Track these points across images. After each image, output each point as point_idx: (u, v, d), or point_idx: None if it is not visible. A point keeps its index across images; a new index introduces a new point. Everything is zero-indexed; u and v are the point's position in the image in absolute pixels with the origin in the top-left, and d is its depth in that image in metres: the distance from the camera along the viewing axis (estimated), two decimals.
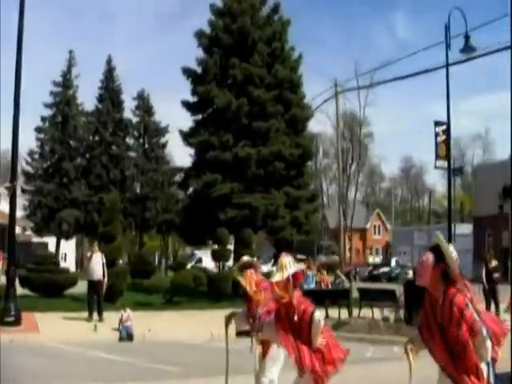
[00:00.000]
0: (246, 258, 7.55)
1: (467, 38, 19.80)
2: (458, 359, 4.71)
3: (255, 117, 27.61)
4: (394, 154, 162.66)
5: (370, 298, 19.66)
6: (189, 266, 37.31)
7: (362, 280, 47.86)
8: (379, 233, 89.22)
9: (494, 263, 19.53)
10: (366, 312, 18.89)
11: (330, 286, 21.57)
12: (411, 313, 16.68)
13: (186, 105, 29.84)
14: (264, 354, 7.23)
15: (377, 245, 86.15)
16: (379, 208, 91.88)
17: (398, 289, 18.76)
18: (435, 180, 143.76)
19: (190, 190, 30.24)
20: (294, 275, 6.13)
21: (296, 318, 5.92)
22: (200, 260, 51.54)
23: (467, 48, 20.24)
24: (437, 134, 27.38)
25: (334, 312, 19.58)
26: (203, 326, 18.34)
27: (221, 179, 26.81)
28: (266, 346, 7.28)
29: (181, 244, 65.22)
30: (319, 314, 5.90)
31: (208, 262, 38.39)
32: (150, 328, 16.54)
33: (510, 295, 14.62)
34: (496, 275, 19.12)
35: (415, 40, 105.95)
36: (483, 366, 4.72)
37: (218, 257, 24.38)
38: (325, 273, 22.12)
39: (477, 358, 4.67)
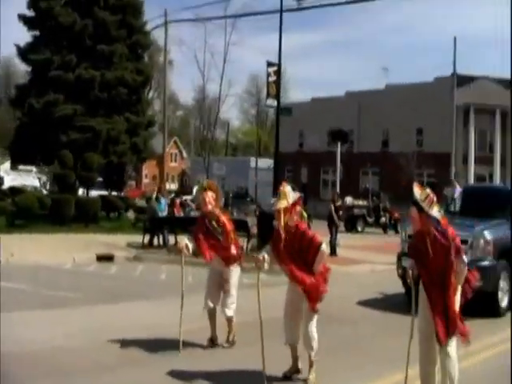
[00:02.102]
0: (207, 180, 8.69)
1: None
2: (443, 285, 5.94)
3: (99, 39, 26.91)
4: (190, 84, 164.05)
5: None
6: None
7: None
8: (176, 160, 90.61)
9: (339, 202, 21.50)
10: None
11: (181, 214, 22.33)
12: (265, 242, 18.03)
13: (23, 19, 28.28)
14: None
15: (173, 172, 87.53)
16: (177, 136, 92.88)
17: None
18: (230, 113, 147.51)
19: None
20: (297, 202, 6.90)
21: (304, 242, 6.72)
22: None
23: None
24: (268, 74, 28.83)
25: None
26: (61, 250, 18.48)
27: (63, 100, 25.97)
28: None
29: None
30: (325, 246, 6.80)
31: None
32: (13, 253, 16.52)
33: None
34: (340, 212, 21.15)
35: None
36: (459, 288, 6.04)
37: (60, 179, 23.99)
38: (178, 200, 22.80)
39: (456, 281, 5.94)
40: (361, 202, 36.46)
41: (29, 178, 38.97)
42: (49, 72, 26.59)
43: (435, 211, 5.98)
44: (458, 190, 15.70)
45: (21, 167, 38.32)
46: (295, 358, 6.94)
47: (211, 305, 8.13)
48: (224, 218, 8.16)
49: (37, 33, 28.62)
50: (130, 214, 28.54)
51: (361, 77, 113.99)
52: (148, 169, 79.64)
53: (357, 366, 7.61)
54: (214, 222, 8.06)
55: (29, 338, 8.30)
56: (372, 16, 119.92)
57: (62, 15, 26.99)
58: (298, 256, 6.75)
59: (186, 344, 7.99)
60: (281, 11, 22.62)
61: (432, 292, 5.97)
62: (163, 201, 21.65)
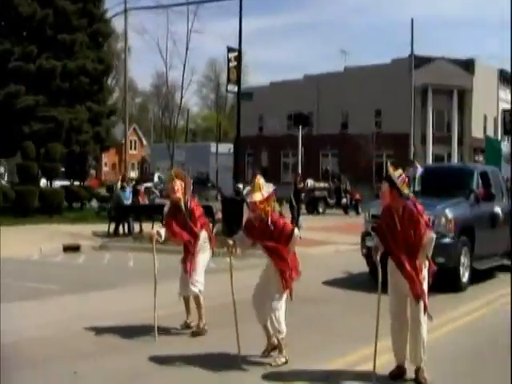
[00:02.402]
0: (175, 169, 9.40)
1: None
2: (412, 257, 6.27)
3: (60, 29, 26.71)
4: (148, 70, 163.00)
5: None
6: None
7: None
8: (135, 148, 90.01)
9: (301, 185, 21.82)
10: None
11: (146, 202, 22.42)
12: (230, 226, 18.31)
13: None
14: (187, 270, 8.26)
15: (133, 160, 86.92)
16: (135, 123, 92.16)
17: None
18: (188, 98, 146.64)
19: None
20: (271, 194, 7.16)
21: (276, 231, 6.98)
22: None
23: None
24: (229, 60, 28.94)
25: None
26: (26, 241, 18.40)
27: (24, 91, 25.76)
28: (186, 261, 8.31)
29: None
30: (297, 231, 7.07)
31: None
32: None
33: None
34: (302, 195, 21.48)
35: None
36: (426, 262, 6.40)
37: (23, 170, 23.85)
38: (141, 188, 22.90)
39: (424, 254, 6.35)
40: (322, 184, 36.97)
41: None
42: (9, 63, 26.36)
43: (406, 189, 6.31)
44: (420, 169, 16.09)
45: None
46: (269, 337, 7.18)
47: (186, 292, 8.35)
48: (193, 204, 8.39)
49: None
50: (94, 204, 28.48)
51: (319, 60, 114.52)
52: (107, 157, 79.22)
53: (324, 343, 7.90)
54: (183, 209, 8.26)
55: (2, 329, 8.37)
56: None
57: (21, 5, 26.78)
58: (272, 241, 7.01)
59: (161, 329, 8.17)
60: None
61: (402, 262, 6.28)
62: (128, 189, 21.69)
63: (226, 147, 63.37)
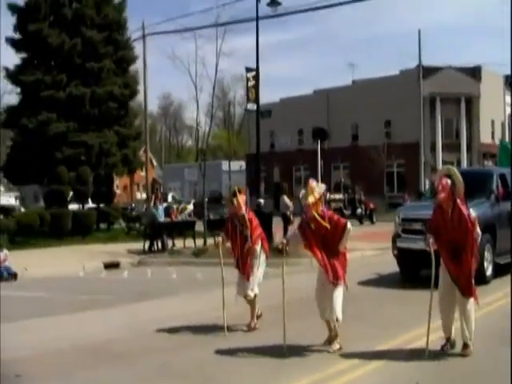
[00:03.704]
0: (240, 186, 10.15)
1: None
2: (460, 255, 7.27)
3: (88, 57, 27.94)
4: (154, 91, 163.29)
5: (218, 227, 22.08)
6: None
7: None
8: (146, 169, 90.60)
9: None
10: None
11: (179, 219, 23.50)
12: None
13: (11, 42, 29.14)
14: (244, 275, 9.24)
15: (143, 181, 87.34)
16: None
17: None
18: (194, 117, 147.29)
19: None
20: (323, 194, 8.12)
21: (331, 224, 7.92)
22: None
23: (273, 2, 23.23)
24: (248, 79, 29.92)
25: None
26: (67, 261, 19.31)
27: (56, 118, 26.92)
28: (244, 267, 9.28)
29: None
30: (350, 225, 8.03)
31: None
32: (26, 267, 16.93)
33: None
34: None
35: None
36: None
37: (57, 195, 24.91)
38: (174, 206, 23.96)
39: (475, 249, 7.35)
40: (337, 196, 37.80)
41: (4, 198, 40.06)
42: (41, 92, 27.50)
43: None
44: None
45: None
46: (330, 330, 8.13)
47: (243, 292, 9.34)
48: (251, 216, 9.38)
49: (25, 55, 29.54)
50: (121, 224, 29.47)
51: (328, 74, 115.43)
52: (119, 180, 79.94)
53: (372, 332, 8.85)
54: (247, 224, 9.21)
55: (87, 333, 9.41)
56: (334, 11, 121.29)
57: (50, 36, 27.97)
58: (325, 240, 7.95)
59: (220, 327, 9.09)
60: (257, 19, 23.61)
61: (453, 256, 7.30)
62: (161, 207, 22.76)
63: (237, 165, 64.17)
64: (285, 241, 8.28)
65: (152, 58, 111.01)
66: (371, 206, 34.91)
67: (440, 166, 44.78)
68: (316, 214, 7.90)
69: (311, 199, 7.86)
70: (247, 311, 9.36)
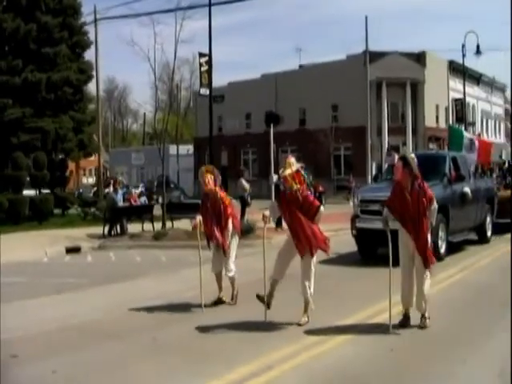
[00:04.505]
0: (208, 166, 10.67)
1: None
2: (419, 227, 8.02)
3: (43, 42, 27.78)
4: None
5: (176, 211, 22.62)
6: None
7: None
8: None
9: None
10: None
11: (138, 203, 23.79)
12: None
13: None
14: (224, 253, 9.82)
15: (90, 166, 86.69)
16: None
17: None
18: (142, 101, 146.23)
19: None
20: (299, 172, 8.67)
21: (305, 204, 8.53)
22: None
23: None
24: (201, 65, 30.34)
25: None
26: (28, 247, 19.11)
27: (11, 104, 26.78)
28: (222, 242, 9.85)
29: None
30: (323, 208, 8.64)
31: None
32: None
33: None
34: None
35: None
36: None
37: (14, 181, 24.88)
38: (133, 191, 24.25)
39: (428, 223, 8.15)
40: None
41: None
42: None
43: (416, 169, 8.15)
44: (396, 157, 17.97)
45: None
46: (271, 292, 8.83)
47: (219, 269, 9.94)
48: (223, 195, 9.94)
49: None
50: (77, 209, 29.46)
51: (275, 58, 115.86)
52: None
53: (335, 307, 9.53)
54: (218, 198, 9.78)
55: (70, 314, 9.74)
56: None
57: (5, 21, 27.83)
58: (300, 212, 8.55)
59: (195, 305, 9.67)
60: (210, 4, 24.12)
61: (412, 229, 8.04)
62: (120, 192, 23.01)
63: (184, 149, 64.20)
64: (267, 212, 8.80)
65: (108, 43, 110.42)
66: (320, 188, 35.60)
67: (385, 149, 45.99)
68: (293, 187, 8.42)
69: (288, 171, 8.45)
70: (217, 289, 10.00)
